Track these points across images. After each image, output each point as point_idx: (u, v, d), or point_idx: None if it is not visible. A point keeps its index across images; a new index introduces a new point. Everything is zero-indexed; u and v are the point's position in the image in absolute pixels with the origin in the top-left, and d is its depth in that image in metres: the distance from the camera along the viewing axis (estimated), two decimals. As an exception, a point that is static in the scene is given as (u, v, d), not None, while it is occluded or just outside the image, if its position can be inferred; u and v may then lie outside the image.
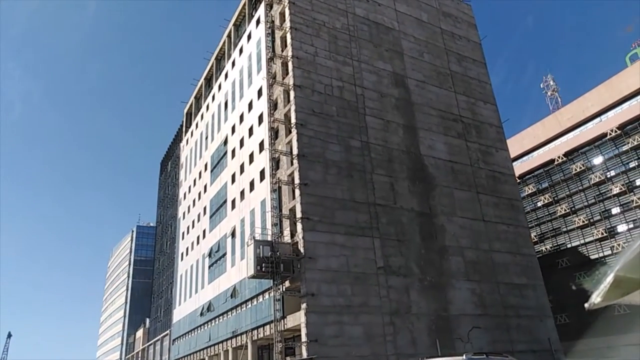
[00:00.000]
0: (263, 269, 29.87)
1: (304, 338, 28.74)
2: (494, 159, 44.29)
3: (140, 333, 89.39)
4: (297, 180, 32.72)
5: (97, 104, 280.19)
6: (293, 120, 34.63)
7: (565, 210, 54.46)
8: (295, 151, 33.62)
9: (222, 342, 41.28)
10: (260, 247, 30.44)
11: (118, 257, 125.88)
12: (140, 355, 77.13)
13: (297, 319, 29.86)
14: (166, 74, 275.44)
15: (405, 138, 39.71)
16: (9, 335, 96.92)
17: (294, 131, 34.30)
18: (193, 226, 55.36)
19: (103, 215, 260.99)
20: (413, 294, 33.60)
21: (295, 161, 33.45)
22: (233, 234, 42.45)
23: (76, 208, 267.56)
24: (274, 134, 35.61)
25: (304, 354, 27.88)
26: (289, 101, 36.52)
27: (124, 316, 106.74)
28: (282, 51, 38.54)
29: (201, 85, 63.05)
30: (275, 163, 35.07)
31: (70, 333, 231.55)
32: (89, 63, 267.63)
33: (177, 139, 75.61)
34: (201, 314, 46.93)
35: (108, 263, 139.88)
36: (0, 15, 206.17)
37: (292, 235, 32.40)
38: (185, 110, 69.68)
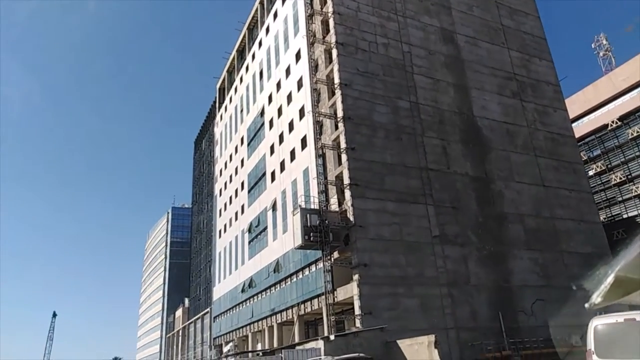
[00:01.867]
0: (311, 238, 27.83)
1: (357, 311, 26.72)
2: (552, 119, 40.76)
3: (179, 312, 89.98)
4: (343, 145, 30.38)
5: (124, 90, 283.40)
6: (337, 81, 32.13)
7: (620, 178, 50.13)
8: (340, 113, 31.20)
9: (265, 318, 39.87)
10: (307, 215, 28.38)
11: (155, 239, 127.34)
12: (181, 334, 77.48)
13: (349, 291, 27.84)
14: (194, 50, 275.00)
15: (457, 98, 36.68)
16: (54, 315, 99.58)
17: (338, 92, 31.84)
18: (230, 202, 53.98)
19: (139, 199, 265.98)
20: (471, 264, 31.07)
21: (340, 124, 31.07)
22: (274, 207, 40.64)
23: (113, 196, 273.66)
24: (317, 96, 33.21)
25: (358, 327, 25.86)
26: (330, 61, 33.99)
27: (163, 296, 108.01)
28: (322, 8, 35.88)
29: (233, 58, 61.06)
30: (319, 128, 32.73)
31: (111, 313, 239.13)
32: (100, 54, 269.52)
33: (211, 116, 74.25)
34: (242, 291, 45.68)
35: (145, 245, 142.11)
36: (0, 15, 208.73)
37: (340, 203, 30.22)
38: (218, 86, 67.98)
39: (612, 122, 51.47)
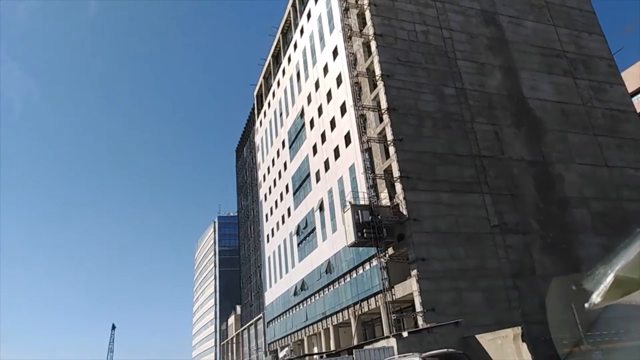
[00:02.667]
0: (364, 235, 26.96)
1: (418, 307, 25.61)
2: (609, 95, 38.22)
3: (232, 320, 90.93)
4: (390, 137, 29.41)
5: (168, 102, 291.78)
6: (378, 72, 31.24)
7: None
8: (384, 105, 30.27)
9: (320, 320, 39.20)
10: (359, 211, 27.54)
11: (203, 249, 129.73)
12: (235, 341, 78.10)
13: (407, 287, 26.76)
14: (229, 61, 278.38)
15: (505, 80, 34.98)
16: (113, 327, 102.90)
17: (380, 84, 30.93)
18: (276, 206, 53.84)
19: (186, 210, 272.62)
20: (535, 253, 29.30)
21: (385, 116, 30.13)
22: (321, 207, 40.02)
23: (159, 209, 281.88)
24: (358, 90, 32.39)
25: (421, 325, 24.72)
26: (370, 54, 33.17)
27: (215, 304, 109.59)
28: (357, 1, 35.11)
29: (269, 64, 61.14)
30: (363, 122, 31.89)
31: (166, 323, 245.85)
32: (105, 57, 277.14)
33: (250, 123, 74.75)
34: (295, 294, 45.26)
35: (194, 255, 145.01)
36: (0, 15, 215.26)
37: (391, 197, 29.21)
38: (255, 93, 68.30)
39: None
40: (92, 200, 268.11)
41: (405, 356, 10.22)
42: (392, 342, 16.63)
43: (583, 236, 31.08)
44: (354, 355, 15.82)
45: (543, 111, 34.86)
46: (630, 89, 53.75)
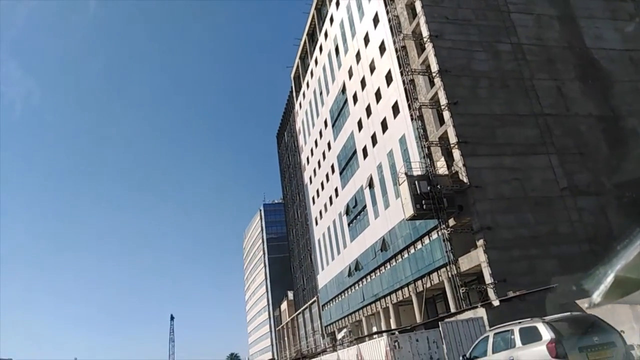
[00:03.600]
0: (424, 206, 25.40)
1: (488, 279, 23.92)
2: (684, 39, 34.43)
3: (284, 305, 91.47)
4: (443, 101, 27.52)
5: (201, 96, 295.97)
6: (425, 34, 29.26)
7: None
8: (434, 68, 28.34)
9: (379, 299, 38.05)
10: (416, 183, 25.97)
11: (251, 238, 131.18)
12: (290, 326, 78.51)
13: (474, 259, 25.08)
14: (260, 46, 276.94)
15: (564, 31, 32.15)
16: (172, 318, 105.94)
17: (429, 46, 28.97)
18: (323, 188, 52.82)
19: (231, 201, 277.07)
20: (611, 214, 26.85)
21: (437, 80, 28.21)
22: (370, 184, 38.59)
23: (203, 202, 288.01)
24: (404, 55, 30.50)
25: (492, 297, 23.07)
26: (414, 15, 31.17)
27: (267, 291, 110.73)
28: (396, -39, 33.03)
29: (304, 43, 59.67)
30: (412, 88, 30.03)
31: (222, 312, 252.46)
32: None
33: (289, 107, 73.86)
34: (349, 275, 44.26)
35: (243, 244, 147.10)
36: (0, 15, 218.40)
37: (448, 166, 27.43)
38: (292, 75, 67.16)
39: None
40: (121, 197, 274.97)
41: (520, 322, 8.81)
42: (481, 312, 15.22)
43: (665, 193, 28.23)
44: (440, 328, 14.52)
45: (609, 61, 31.85)
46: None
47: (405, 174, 26.60)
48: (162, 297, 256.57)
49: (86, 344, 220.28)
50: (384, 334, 14.82)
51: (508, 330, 9.39)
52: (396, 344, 13.61)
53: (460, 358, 10.39)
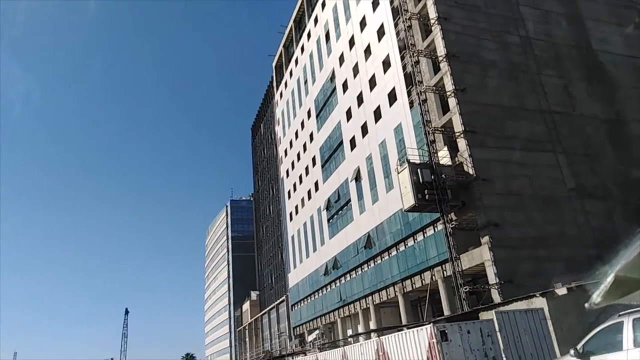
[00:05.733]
0: (426, 196, 23.19)
1: (492, 279, 21.92)
2: (684, 52, 33.98)
3: (246, 306, 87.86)
4: (449, 87, 25.53)
5: (167, 89, 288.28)
6: (432, 15, 27.29)
7: None
8: (441, 52, 26.34)
9: (358, 300, 35.63)
10: (419, 170, 23.75)
11: (215, 234, 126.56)
12: (254, 326, 74.98)
13: (476, 257, 23.04)
14: (242, 35, 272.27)
15: (571, 30, 30.96)
16: (127, 312, 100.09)
17: (436, 28, 26.97)
18: (301, 181, 50.15)
19: (195, 196, 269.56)
20: (618, 220, 25.47)
21: (443, 64, 26.20)
22: (357, 177, 36.26)
23: (168, 194, 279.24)
24: (411, 36, 28.35)
25: (495, 299, 21.06)
26: (421, -3, 29.22)
27: (229, 290, 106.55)
28: (404, -62, 31.00)
29: (290, 30, 57.09)
30: (417, 73, 27.89)
31: (178, 311, 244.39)
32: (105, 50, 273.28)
33: (268, 97, 70.92)
34: (325, 273, 41.69)
35: (206, 241, 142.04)
36: (0, 15, 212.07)
37: (451, 156, 25.38)
38: (274, 64, 64.38)
39: None
40: (98, 191, 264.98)
41: None
42: (540, 302, 12.95)
43: (667, 203, 27.19)
44: (495, 318, 12.12)
45: (614, 66, 30.84)
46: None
47: (407, 160, 24.35)
48: (118, 292, 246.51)
49: (28, 339, 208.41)
50: (429, 324, 12.22)
51: None
52: (444, 334, 11.08)
53: (571, 352, 8.00)
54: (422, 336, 11.75)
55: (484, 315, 13.97)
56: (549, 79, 28.34)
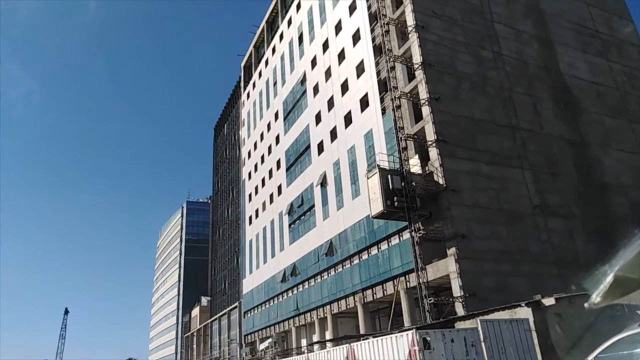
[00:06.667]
0: (395, 204, 22.59)
1: (456, 292, 21.49)
2: (642, 83, 35.50)
3: (196, 311, 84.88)
4: (423, 95, 25.24)
5: (128, 90, 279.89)
6: (410, 23, 27.06)
7: None
8: (417, 59, 26.08)
9: (316, 309, 34.58)
10: (389, 176, 23.17)
11: (168, 236, 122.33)
12: (202, 333, 72.23)
13: (441, 269, 22.58)
14: (212, 35, 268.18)
15: (541, 52, 31.60)
16: (66, 312, 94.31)
17: (413, 35, 26.73)
18: (263, 185, 48.82)
19: (151, 196, 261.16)
20: (579, 240, 25.82)
21: (419, 72, 25.92)
22: (323, 182, 35.44)
23: (123, 194, 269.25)
24: (388, 41, 27.97)
25: (459, 312, 20.60)
26: (398, 4, 29.01)
27: (178, 295, 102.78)
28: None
29: (262, 30, 56.10)
30: (393, 78, 27.49)
31: (123, 313, 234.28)
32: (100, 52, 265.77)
33: (234, 97, 69.34)
34: (283, 280, 40.41)
35: (157, 243, 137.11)
36: (0, 15, 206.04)
37: (422, 165, 25.00)
38: (243, 64, 63.03)
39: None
40: (46, 185, 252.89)
41: None
42: (525, 312, 12.30)
43: (623, 226, 27.79)
44: (479, 327, 11.35)
45: (580, 90, 31.71)
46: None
47: (378, 166, 23.73)
48: (59, 294, 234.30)
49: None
50: (411, 329, 11.27)
51: None
52: (426, 342, 10.16)
53: None
54: (402, 343, 10.84)
55: (461, 325, 13.30)
56: (519, 97, 28.65)
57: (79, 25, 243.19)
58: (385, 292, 26.89)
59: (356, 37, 32.98)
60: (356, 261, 30.01)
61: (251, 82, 57.87)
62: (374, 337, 13.53)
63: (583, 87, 32.05)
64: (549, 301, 12.50)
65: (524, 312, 12.45)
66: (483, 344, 10.98)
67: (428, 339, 10.40)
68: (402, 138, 24.73)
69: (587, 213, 27.00)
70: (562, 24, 33.85)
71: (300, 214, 38.87)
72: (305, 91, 40.86)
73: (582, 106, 31.16)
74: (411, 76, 27.26)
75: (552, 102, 29.97)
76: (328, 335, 32.51)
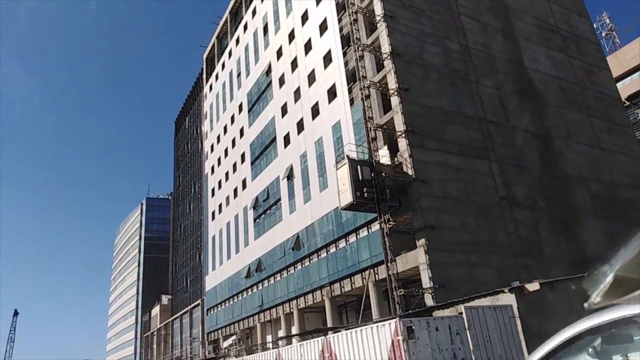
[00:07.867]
0: (365, 195, 22.12)
1: (426, 283, 21.26)
2: (598, 79, 36.60)
3: (156, 310, 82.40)
4: (392, 85, 24.88)
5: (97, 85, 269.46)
6: (379, 12, 26.64)
7: None
8: (386, 49, 25.70)
9: (282, 304, 33.82)
10: (358, 167, 22.67)
11: (126, 233, 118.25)
12: (163, 332, 70.04)
13: (411, 260, 22.32)
14: (174, 26, 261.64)
15: (506, 46, 31.90)
16: (16, 313, 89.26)
17: (382, 25, 26.32)
18: (227, 179, 47.53)
19: (109, 191, 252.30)
20: (543, 231, 26.15)
21: (388, 62, 25.54)
22: (289, 175, 34.66)
23: (79, 190, 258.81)
24: (356, 30, 27.44)
25: (429, 303, 20.37)
26: (367, -6, 28.54)
27: (137, 294, 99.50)
28: None
29: (225, 21, 54.57)
30: (362, 68, 26.97)
31: (78, 314, 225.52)
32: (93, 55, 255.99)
33: (196, 90, 67.34)
34: (247, 276, 39.41)
35: (115, 241, 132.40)
36: (0, 15, 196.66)
37: (391, 156, 24.66)
38: (205, 56, 61.21)
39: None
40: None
41: None
42: (508, 298, 11.91)
43: (584, 217, 28.53)
44: (464, 314, 10.89)
45: (543, 84, 32.22)
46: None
47: (347, 156, 23.19)
48: (7, 295, 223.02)
49: None
50: (394, 318, 10.66)
51: None
52: (411, 331, 9.55)
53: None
54: (384, 333, 10.23)
55: (439, 314, 12.90)
56: (486, 89, 28.78)
57: (79, 25, 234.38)
58: (353, 285, 26.46)
59: (323, 27, 32.32)
60: (324, 255, 29.45)
61: (214, 74, 56.28)
62: (347, 329, 12.93)
63: (546, 81, 32.60)
64: (533, 286, 12.29)
65: (507, 299, 12.18)
66: (468, 331, 10.58)
67: (413, 327, 9.89)
68: (372, 128, 24.27)
69: (551, 205, 27.42)
70: (525, 19, 34.34)
71: (266, 208, 37.96)
72: (270, 82, 39.90)
73: (545, 100, 31.67)
74: (380, 66, 26.88)
75: (517, 95, 30.30)
76: (294, 330, 31.84)
